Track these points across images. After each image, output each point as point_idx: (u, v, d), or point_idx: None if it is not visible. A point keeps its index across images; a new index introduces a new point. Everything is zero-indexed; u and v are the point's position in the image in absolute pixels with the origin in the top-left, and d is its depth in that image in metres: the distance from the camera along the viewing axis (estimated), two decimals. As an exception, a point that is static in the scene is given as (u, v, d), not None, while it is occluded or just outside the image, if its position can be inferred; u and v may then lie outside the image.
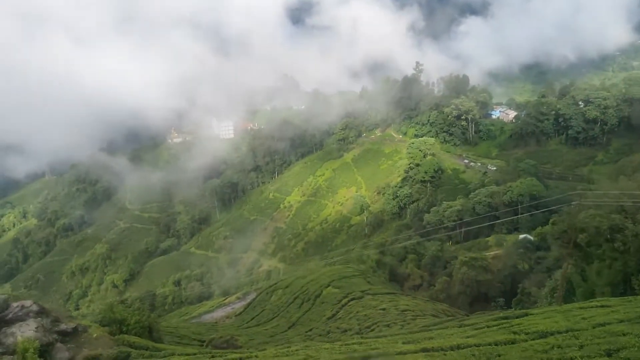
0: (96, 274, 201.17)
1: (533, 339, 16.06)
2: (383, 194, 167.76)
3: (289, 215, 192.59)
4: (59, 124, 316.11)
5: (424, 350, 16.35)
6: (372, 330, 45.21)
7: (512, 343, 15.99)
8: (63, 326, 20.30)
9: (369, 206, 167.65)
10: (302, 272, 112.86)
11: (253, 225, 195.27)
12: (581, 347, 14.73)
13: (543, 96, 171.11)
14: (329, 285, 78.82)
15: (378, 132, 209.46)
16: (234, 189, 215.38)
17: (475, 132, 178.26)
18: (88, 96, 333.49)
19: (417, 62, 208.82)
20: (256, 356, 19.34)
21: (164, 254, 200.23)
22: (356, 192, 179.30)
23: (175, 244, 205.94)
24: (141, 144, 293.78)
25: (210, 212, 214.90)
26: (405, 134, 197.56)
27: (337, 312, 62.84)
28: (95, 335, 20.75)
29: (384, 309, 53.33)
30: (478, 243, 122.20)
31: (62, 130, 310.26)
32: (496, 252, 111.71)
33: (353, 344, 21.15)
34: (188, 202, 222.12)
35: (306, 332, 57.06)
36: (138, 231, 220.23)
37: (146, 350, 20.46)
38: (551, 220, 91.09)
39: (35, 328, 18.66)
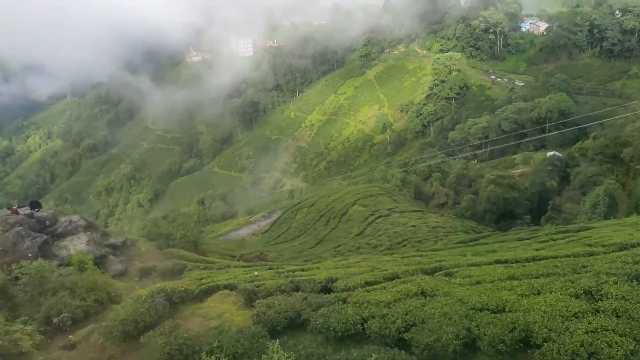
0: (122, 193, 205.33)
1: (612, 251, 15.39)
2: (406, 111, 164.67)
3: (310, 134, 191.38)
4: (78, 43, 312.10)
5: (498, 262, 15.83)
6: (404, 246, 45.20)
7: (591, 255, 15.34)
8: (112, 240, 20.28)
9: (392, 124, 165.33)
10: (326, 191, 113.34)
11: (275, 144, 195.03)
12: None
13: (577, 6, 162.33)
14: (355, 204, 78.94)
15: (401, 48, 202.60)
16: (255, 109, 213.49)
17: (503, 46, 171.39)
18: (106, 13, 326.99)
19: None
20: (317, 267, 19.12)
21: (187, 174, 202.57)
22: (378, 110, 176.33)
23: (198, 164, 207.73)
24: (160, 63, 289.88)
25: (232, 131, 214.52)
26: (429, 49, 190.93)
27: (365, 229, 63.04)
28: (143, 248, 20.72)
29: (414, 226, 53.22)
30: (504, 161, 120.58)
31: (81, 49, 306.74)
32: (523, 170, 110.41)
33: (413, 256, 20.84)
34: (210, 122, 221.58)
35: (335, 247, 57.57)
36: (161, 151, 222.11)
37: (195, 262, 20.40)
38: (592, 135, 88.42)
39: (87, 241, 18.62)
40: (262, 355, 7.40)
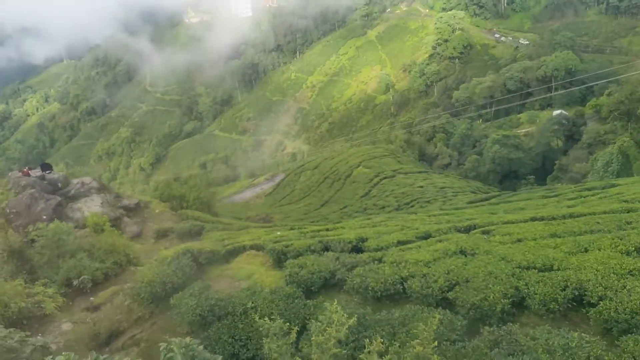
0: (122, 157, 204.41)
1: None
2: (409, 71, 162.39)
3: (311, 95, 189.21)
4: (74, 5, 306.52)
5: (534, 219, 15.30)
6: (412, 206, 44.81)
7: (629, 211, 14.82)
8: (126, 202, 19.74)
9: (394, 85, 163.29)
10: (329, 153, 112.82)
11: (276, 106, 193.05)
12: None
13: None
14: (359, 165, 78.65)
15: (403, 7, 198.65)
16: (255, 70, 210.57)
17: (507, 4, 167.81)
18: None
19: None
20: (342, 227, 18.66)
21: (187, 136, 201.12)
22: (381, 70, 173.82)
23: (198, 127, 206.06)
24: (158, 24, 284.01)
25: (232, 93, 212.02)
26: (432, 8, 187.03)
27: (370, 190, 62.83)
28: (157, 210, 20.21)
29: (421, 187, 52.80)
30: (509, 120, 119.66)
31: (77, 10, 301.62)
32: (528, 129, 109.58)
33: (440, 214, 20.36)
34: (209, 84, 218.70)
35: (341, 209, 57.37)
36: (161, 114, 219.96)
37: (212, 224, 19.92)
38: (607, 92, 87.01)
39: (101, 203, 18.11)
40: (319, 316, 6.89)
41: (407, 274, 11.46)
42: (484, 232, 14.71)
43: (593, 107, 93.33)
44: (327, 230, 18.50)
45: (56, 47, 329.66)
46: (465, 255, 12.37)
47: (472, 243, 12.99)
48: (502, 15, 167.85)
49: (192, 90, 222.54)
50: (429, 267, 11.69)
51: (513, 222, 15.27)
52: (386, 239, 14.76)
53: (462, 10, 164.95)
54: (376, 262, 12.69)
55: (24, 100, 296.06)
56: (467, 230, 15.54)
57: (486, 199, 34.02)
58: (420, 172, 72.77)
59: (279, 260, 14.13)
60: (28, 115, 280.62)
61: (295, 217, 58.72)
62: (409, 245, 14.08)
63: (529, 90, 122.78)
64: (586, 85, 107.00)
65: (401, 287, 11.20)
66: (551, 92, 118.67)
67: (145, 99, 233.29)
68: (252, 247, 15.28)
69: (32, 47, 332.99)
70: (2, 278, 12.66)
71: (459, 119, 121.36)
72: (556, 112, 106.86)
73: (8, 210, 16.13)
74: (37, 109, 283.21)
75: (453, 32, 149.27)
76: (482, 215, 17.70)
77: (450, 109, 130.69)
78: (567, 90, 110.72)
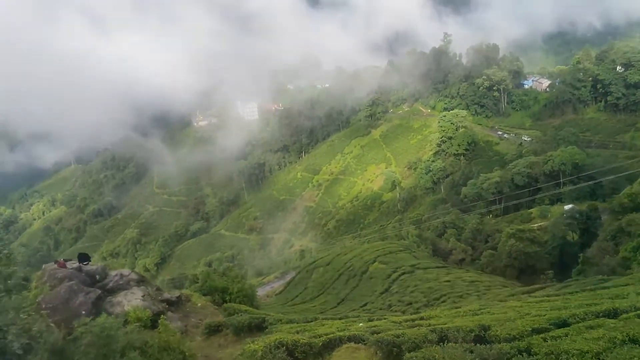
0: (127, 258, 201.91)
1: None
2: (415, 169, 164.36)
3: (318, 194, 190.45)
4: (85, 111, 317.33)
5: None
6: (444, 301, 42.89)
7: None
8: (166, 295, 18.41)
9: (400, 182, 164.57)
10: (340, 250, 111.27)
11: (282, 205, 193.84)
12: None
13: (578, 62, 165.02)
14: (374, 261, 77.08)
15: (406, 107, 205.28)
16: (262, 170, 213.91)
17: (507, 103, 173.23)
18: (112, 80, 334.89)
19: (445, 33, 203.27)
20: (437, 316, 17.13)
21: (194, 236, 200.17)
22: (386, 168, 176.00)
23: (204, 227, 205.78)
24: (167, 128, 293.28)
25: (238, 193, 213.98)
26: (434, 107, 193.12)
27: (390, 286, 60.84)
28: (199, 304, 18.76)
29: (448, 281, 50.94)
30: (520, 215, 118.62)
31: (88, 116, 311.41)
32: (540, 223, 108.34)
33: (547, 301, 18.70)
34: (216, 185, 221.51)
35: (361, 307, 55.19)
36: (167, 215, 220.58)
37: (274, 317, 18.38)
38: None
39: (142, 297, 16.79)
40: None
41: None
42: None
43: (628, 196, 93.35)
44: (421, 319, 16.90)
45: (66, 152, 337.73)
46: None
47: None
48: (503, 114, 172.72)
49: (199, 191, 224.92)
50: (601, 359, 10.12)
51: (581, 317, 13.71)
52: (515, 327, 13.07)
53: (463, 109, 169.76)
54: (523, 353, 11.03)
55: (31, 205, 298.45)
56: (611, 314, 13.82)
57: (528, 292, 32.32)
58: (439, 267, 70.95)
59: (391, 353, 12.38)
60: (34, 219, 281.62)
61: (312, 316, 56.19)
62: (550, 334, 12.36)
63: (537, 184, 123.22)
64: (596, 181, 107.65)
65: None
66: (560, 187, 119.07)
67: (152, 200, 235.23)
68: (349, 339, 13.65)
69: (42, 152, 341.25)
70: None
71: (468, 215, 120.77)
72: (567, 206, 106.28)
73: (44, 305, 14.80)
74: (43, 213, 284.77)
75: (457, 129, 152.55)
76: (597, 301, 16.11)
77: (459, 205, 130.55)
78: (576, 186, 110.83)
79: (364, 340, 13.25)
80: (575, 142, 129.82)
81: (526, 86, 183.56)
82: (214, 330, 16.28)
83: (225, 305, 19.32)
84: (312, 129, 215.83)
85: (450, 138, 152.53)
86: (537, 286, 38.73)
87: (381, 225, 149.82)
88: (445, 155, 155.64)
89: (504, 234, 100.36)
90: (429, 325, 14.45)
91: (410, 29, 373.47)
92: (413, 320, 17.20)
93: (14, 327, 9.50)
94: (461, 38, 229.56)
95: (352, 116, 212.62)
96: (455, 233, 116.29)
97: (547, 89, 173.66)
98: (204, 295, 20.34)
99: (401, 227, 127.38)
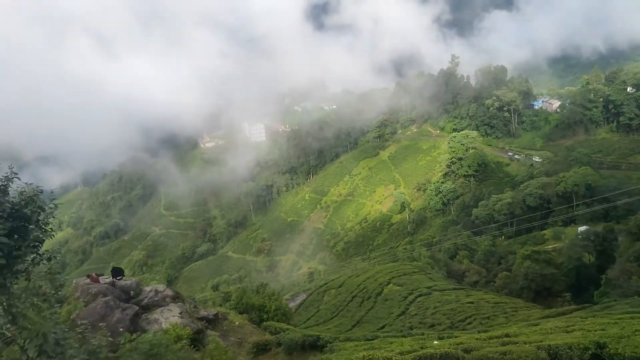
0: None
1: None
2: (424, 190, 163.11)
3: (326, 215, 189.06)
4: (91, 132, 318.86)
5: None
6: (469, 323, 41.58)
7: None
8: (203, 312, 17.36)
9: (410, 203, 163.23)
10: (351, 271, 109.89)
11: (290, 227, 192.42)
12: None
13: (587, 83, 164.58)
14: (389, 283, 75.76)
15: (414, 129, 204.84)
16: (269, 192, 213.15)
17: (518, 124, 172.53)
18: (118, 102, 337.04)
19: (453, 55, 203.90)
20: (477, 339, 15.99)
21: (201, 258, 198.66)
22: (395, 189, 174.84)
23: (212, 249, 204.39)
24: (174, 149, 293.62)
25: (246, 215, 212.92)
26: (442, 129, 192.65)
27: (407, 308, 59.44)
28: (237, 322, 17.71)
29: (472, 302, 49.51)
30: (533, 237, 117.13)
31: (94, 138, 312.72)
32: (555, 245, 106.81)
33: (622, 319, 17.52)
34: (223, 206, 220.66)
35: (378, 329, 53.75)
36: (174, 237, 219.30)
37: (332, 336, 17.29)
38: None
39: (179, 314, 15.73)
40: None
41: None
42: None
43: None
44: (507, 336, 15.70)
45: (72, 174, 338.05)
46: None
47: None
48: (513, 135, 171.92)
49: (206, 213, 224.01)
50: None
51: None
52: (636, 343, 11.78)
53: (472, 130, 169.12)
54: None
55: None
56: None
57: (562, 313, 31.00)
58: (456, 289, 69.43)
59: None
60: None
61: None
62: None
63: (550, 206, 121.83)
64: (611, 204, 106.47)
65: None
66: (573, 209, 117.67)
67: (159, 221, 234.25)
68: (442, 358, 12.51)
69: (49, 175, 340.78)
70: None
71: (480, 237, 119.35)
72: (582, 228, 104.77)
73: (79, 322, 13.77)
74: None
75: (467, 150, 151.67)
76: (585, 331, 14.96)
77: (470, 226, 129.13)
78: (590, 208, 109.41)
79: (458, 359, 12.13)
80: (588, 162, 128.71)
81: (536, 107, 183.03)
82: (261, 349, 15.20)
83: (264, 323, 18.28)
84: (320, 151, 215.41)
85: (460, 159, 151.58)
86: (572, 307, 37.32)
87: (391, 247, 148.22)
88: (455, 176, 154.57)
89: (518, 256, 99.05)
90: (519, 342, 13.28)
91: (416, 51, 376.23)
92: (498, 337, 16.03)
93: (71, 340, 8.56)
94: (467, 61, 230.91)
95: (361, 137, 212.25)
96: (467, 255, 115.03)
97: (558, 110, 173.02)
98: (240, 313, 19.29)
99: (413, 249, 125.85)
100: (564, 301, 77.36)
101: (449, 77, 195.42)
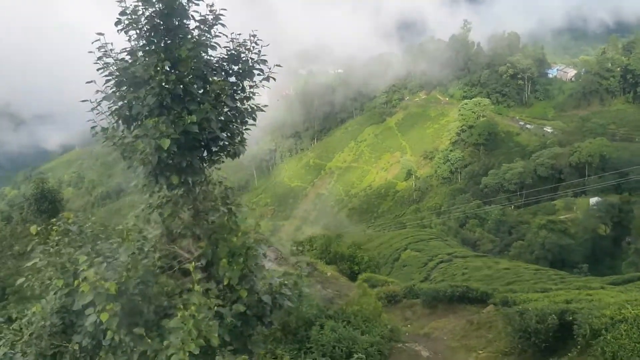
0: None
1: None
2: (431, 158, 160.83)
3: (330, 181, 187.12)
4: (92, 91, 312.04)
5: None
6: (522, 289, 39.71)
7: None
8: (293, 259, 15.29)
9: (416, 171, 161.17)
10: (363, 237, 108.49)
11: (294, 192, 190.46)
12: None
13: (604, 52, 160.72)
14: (406, 248, 74.27)
15: (422, 95, 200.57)
16: (272, 156, 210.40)
17: (531, 92, 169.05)
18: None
19: (465, 20, 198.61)
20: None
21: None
22: (401, 157, 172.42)
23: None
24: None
25: (248, 179, 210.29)
26: (452, 96, 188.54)
27: (429, 274, 57.95)
28: (329, 273, 15.77)
29: (507, 269, 47.75)
30: (544, 207, 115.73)
31: (95, 96, 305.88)
32: (567, 216, 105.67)
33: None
34: (226, 170, 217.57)
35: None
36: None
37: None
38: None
39: (275, 259, 13.61)
40: None
41: None
42: None
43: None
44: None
45: (71, 134, 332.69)
46: None
47: None
48: (526, 104, 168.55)
49: (207, 175, 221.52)
50: None
51: None
52: None
53: (484, 97, 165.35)
54: None
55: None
56: None
57: (630, 280, 29.13)
58: (478, 256, 67.92)
59: None
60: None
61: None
62: None
63: (561, 177, 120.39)
64: (624, 173, 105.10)
65: None
66: (585, 179, 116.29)
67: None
68: None
69: (47, 134, 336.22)
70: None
71: (491, 207, 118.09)
72: (594, 199, 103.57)
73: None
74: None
75: (478, 118, 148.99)
76: None
77: (479, 195, 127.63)
78: (604, 181, 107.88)
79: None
80: (603, 133, 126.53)
81: (550, 75, 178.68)
82: (390, 301, 13.32)
83: (364, 275, 16.41)
84: (326, 116, 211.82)
85: (471, 127, 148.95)
86: (626, 276, 35.55)
87: (396, 215, 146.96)
88: (465, 144, 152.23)
89: (534, 225, 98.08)
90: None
91: (420, 16, 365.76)
92: (578, 299, 14.10)
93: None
94: (475, 27, 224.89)
95: (367, 103, 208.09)
96: (477, 223, 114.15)
97: (573, 79, 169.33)
98: (328, 264, 17.42)
99: (423, 217, 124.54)
100: (580, 272, 76.36)
101: (459, 43, 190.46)
